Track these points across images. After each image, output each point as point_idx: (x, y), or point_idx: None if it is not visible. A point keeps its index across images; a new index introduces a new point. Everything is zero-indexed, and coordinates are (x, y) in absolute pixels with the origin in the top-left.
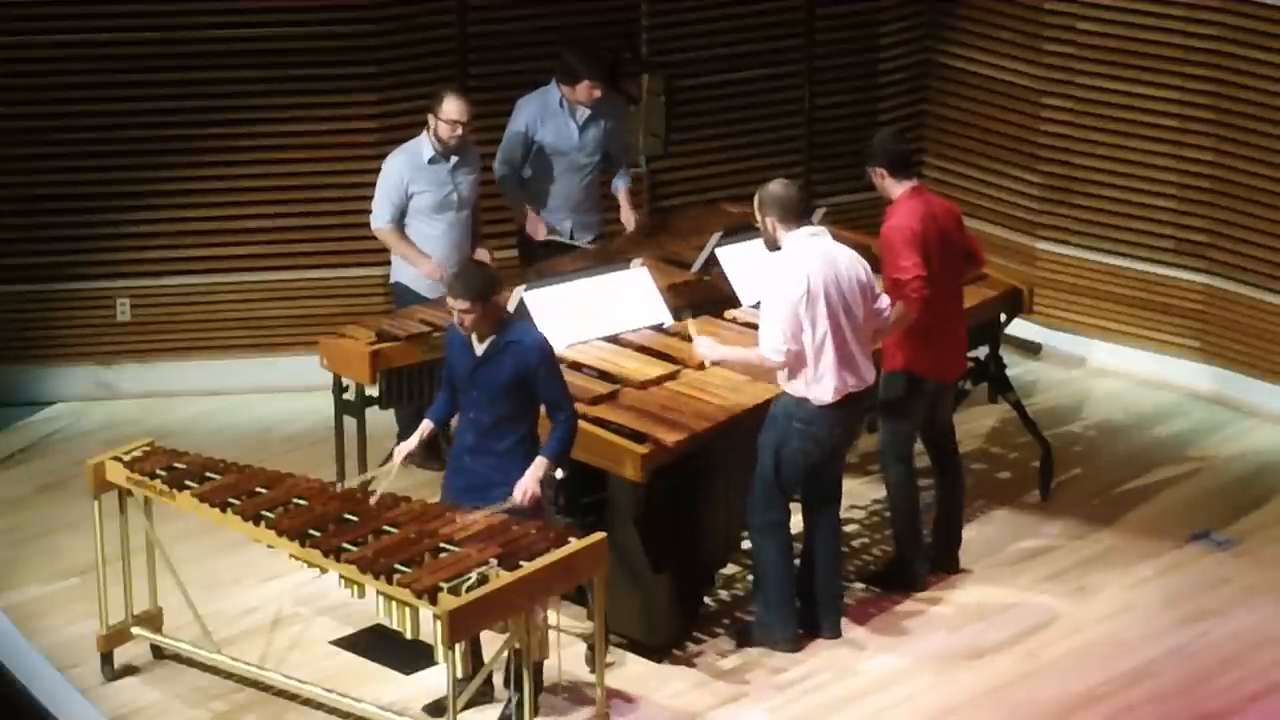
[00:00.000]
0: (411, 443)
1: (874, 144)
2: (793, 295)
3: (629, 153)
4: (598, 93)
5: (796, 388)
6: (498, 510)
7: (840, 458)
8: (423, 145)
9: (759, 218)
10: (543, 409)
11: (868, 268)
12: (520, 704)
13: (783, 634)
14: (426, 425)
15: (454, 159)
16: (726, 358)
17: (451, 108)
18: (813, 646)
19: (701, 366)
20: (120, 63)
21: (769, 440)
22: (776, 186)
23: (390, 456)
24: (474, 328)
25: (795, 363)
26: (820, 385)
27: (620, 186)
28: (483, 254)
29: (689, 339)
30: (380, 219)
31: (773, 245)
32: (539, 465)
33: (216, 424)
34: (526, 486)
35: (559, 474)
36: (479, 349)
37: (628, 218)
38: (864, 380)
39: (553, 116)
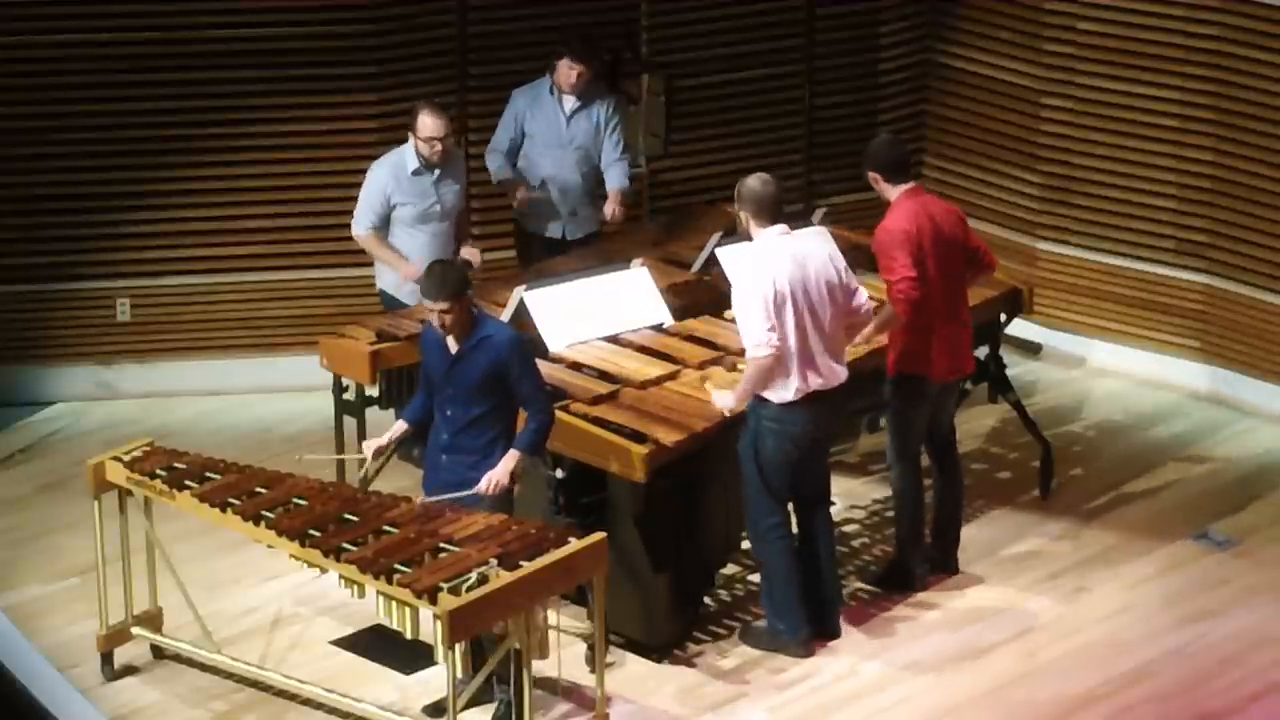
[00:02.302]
0: (381, 440)
1: (870, 149)
2: (764, 292)
3: (629, 151)
4: (575, 75)
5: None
6: (463, 497)
7: (822, 454)
8: (407, 156)
9: (736, 209)
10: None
11: (843, 267)
12: (515, 704)
13: (793, 638)
14: (399, 425)
15: (438, 171)
16: (742, 392)
17: (428, 124)
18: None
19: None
20: (120, 63)
21: (746, 444)
22: (755, 182)
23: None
24: (453, 328)
25: (785, 353)
26: (782, 386)
27: (613, 186)
28: (471, 252)
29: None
30: (361, 225)
31: (747, 238)
32: (511, 457)
33: (216, 424)
34: (494, 477)
35: (559, 474)
36: (454, 347)
37: (609, 210)
38: (828, 380)
39: (541, 106)
